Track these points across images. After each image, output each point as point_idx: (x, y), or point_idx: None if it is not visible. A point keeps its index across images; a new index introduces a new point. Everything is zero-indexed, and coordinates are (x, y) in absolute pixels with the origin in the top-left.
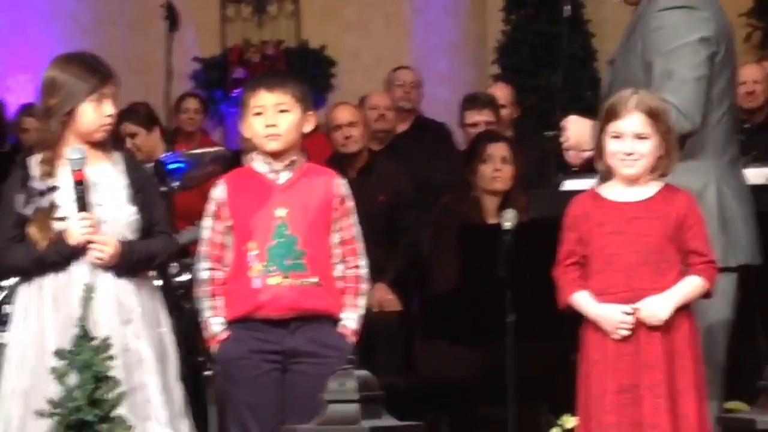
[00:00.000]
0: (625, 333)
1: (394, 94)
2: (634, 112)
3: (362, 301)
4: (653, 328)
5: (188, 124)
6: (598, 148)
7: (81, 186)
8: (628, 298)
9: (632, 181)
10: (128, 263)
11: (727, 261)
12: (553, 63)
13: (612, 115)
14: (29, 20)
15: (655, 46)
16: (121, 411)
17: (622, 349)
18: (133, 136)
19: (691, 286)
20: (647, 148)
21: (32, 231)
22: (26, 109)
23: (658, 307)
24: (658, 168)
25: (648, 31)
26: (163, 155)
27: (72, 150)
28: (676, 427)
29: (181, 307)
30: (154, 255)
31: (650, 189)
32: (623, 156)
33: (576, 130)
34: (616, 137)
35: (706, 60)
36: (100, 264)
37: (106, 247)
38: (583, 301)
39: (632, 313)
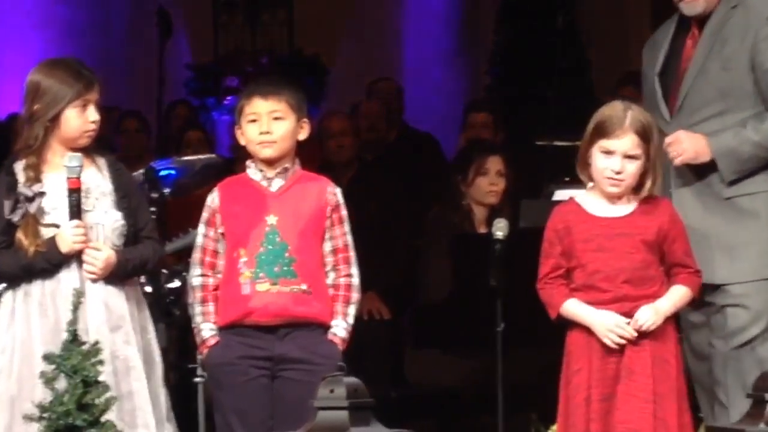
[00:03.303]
0: (617, 339)
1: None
2: (628, 133)
3: (352, 310)
4: (641, 336)
5: (130, 148)
6: (583, 158)
7: (76, 194)
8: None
9: (614, 198)
10: (123, 272)
11: None
12: (546, 73)
13: (605, 131)
14: (22, 26)
15: None
16: (109, 417)
17: (607, 357)
18: None
19: (679, 295)
20: (634, 169)
21: (20, 237)
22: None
23: (649, 316)
24: (642, 187)
25: (760, 39)
26: (155, 162)
27: (70, 157)
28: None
29: (171, 313)
30: (147, 261)
31: (631, 204)
32: (611, 174)
33: (694, 143)
34: (606, 153)
35: None
36: (93, 279)
37: (97, 261)
38: (576, 307)
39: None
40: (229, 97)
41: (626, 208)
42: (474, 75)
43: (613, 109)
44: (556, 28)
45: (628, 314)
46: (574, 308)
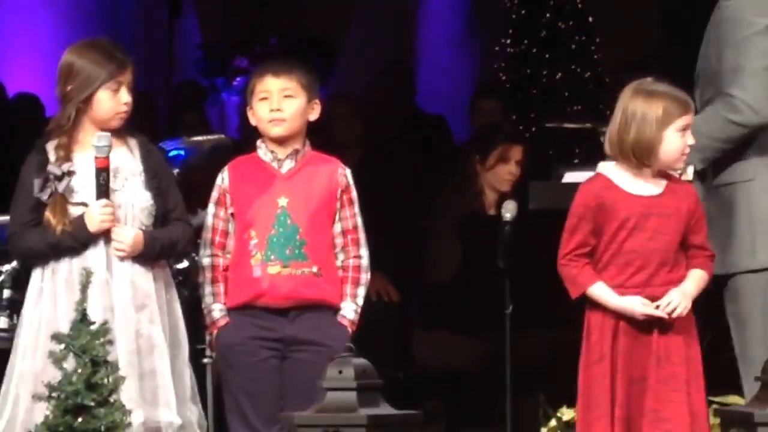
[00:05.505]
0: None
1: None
2: (691, 104)
3: (362, 292)
4: (670, 322)
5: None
6: (651, 149)
7: (104, 173)
8: (644, 294)
9: (646, 175)
10: (151, 253)
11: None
12: (555, 55)
13: (678, 111)
14: (31, 6)
15: (724, 38)
16: (131, 395)
17: (636, 340)
18: None
19: (700, 279)
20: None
21: (49, 215)
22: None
23: (681, 302)
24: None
25: (718, 21)
26: (164, 142)
27: (99, 137)
28: (692, 423)
29: (180, 294)
30: (176, 242)
31: (660, 182)
32: (688, 149)
33: None
34: (683, 131)
35: None
36: (122, 257)
37: (125, 238)
38: (604, 293)
39: (655, 306)
40: (238, 78)
41: (657, 186)
42: (483, 58)
43: (672, 87)
44: (566, 10)
45: (657, 297)
46: (601, 293)
